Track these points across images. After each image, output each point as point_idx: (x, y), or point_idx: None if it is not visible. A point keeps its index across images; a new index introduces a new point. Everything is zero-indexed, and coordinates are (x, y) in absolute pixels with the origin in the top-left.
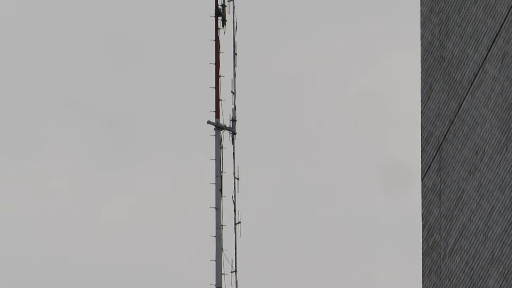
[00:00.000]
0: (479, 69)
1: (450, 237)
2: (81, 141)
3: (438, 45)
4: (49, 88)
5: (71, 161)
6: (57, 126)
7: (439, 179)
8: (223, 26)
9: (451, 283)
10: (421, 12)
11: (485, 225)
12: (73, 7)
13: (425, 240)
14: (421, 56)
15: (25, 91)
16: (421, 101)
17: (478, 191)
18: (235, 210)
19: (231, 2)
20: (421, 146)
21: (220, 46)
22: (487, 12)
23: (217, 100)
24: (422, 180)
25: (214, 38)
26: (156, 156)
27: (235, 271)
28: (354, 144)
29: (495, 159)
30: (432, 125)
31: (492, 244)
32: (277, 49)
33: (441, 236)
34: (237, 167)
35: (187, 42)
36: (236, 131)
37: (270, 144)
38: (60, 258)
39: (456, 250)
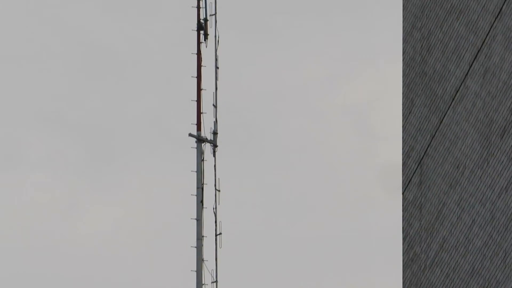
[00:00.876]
0: (461, 84)
1: (430, 249)
2: (60, 153)
3: (420, 60)
4: (27, 100)
5: (50, 173)
6: (36, 138)
7: (420, 193)
8: (205, 40)
9: None
10: (403, 27)
11: (466, 238)
12: (53, 17)
13: (405, 252)
14: (403, 71)
15: (2, 104)
16: (403, 115)
17: (458, 204)
18: (216, 222)
19: (213, 17)
20: (402, 159)
21: (202, 59)
22: (469, 28)
23: (199, 113)
24: (403, 193)
25: (196, 52)
26: (137, 168)
27: (216, 281)
28: (335, 158)
29: (476, 173)
30: (413, 139)
31: (473, 257)
32: (259, 63)
33: (421, 249)
34: (218, 179)
35: (169, 55)
36: (217, 144)
37: (251, 157)
38: (39, 269)
39: (436, 263)
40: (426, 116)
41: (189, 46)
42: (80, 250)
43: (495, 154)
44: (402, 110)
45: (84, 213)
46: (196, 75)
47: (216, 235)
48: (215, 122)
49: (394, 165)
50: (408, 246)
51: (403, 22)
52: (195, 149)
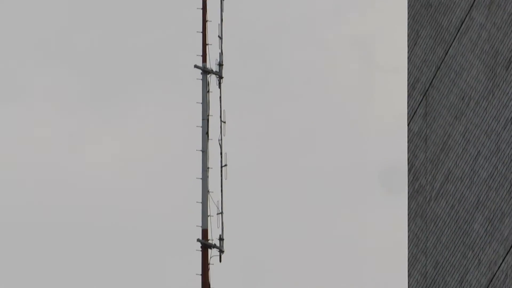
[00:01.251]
0: (466, 15)
1: (436, 181)
2: (64, 85)
3: None
4: (29, 31)
5: (55, 105)
6: (39, 70)
7: (425, 124)
8: None
9: (436, 227)
10: None
11: (471, 170)
12: None
13: (411, 184)
14: (408, 2)
15: (4, 35)
16: (408, 47)
17: (464, 136)
18: (221, 153)
19: None
20: (408, 91)
21: None
22: None
23: (204, 44)
24: (408, 125)
25: None
26: (143, 99)
27: (221, 213)
28: (340, 90)
29: (481, 104)
30: (419, 71)
31: (478, 188)
32: None
33: (427, 180)
34: (224, 110)
35: None
36: (223, 75)
37: (257, 88)
38: (44, 202)
39: (441, 194)
40: (431, 48)
41: None
42: (85, 182)
43: (500, 85)
44: (407, 41)
45: (89, 145)
46: (201, 7)
47: (221, 167)
48: (221, 54)
49: (400, 95)
50: (413, 177)
51: None
52: (201, 81)
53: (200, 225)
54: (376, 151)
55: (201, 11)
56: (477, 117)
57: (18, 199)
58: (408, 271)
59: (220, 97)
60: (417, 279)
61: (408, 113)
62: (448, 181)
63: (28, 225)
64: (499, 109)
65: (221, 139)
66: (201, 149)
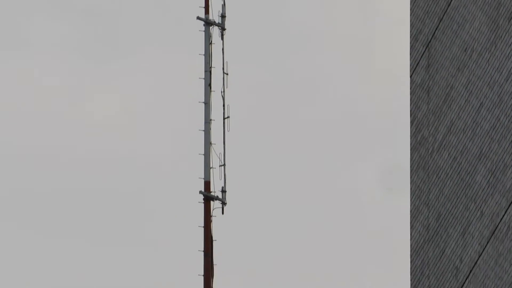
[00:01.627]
0: None
1: (438, 132)
2: (66, 36)
3: None
4: None
5: (55, 57)
6: (41, 21)
7: (427, 76)
8: None
9: (439, 178)
10: None
11: (473, 121)
12: None
13: (413, 135)
14: None
15: None
16: None
17: (466, 87)
18: (223, 105)
19: None
20: (410, 43)
21: None
22: None
23: None
24: (410, 77)
25: None
26: (145, 51)
27: (223, 165)
28: (342, 44)
29: (483, 56)
30: (421, 22)
31: (480, 140)
32: None
33: (429, 132)
34: (226, 62)
35: None
36: (225, 27)
37: (259, 40)
38: (46, 152)
39: (444, 146)
40: None
41: None
42: (86, 135)
43: (503, 37)
44: None
45: (90, 97)
46: None
47: (224, 119)
48: (223, 5)
49: (402, 48)
50: (416, 129)
51: None
52: (203, 32)
53: (203, 177)
54: (378, 100)
55: None
56: (480, 69)
57: (18, 150)
58: (410, 223)
59: (223, 48)
60: (419, 231)
61: (410, 65)
62: (451, 133)
63: (27, 175)
64: (501, 61)
65: (224, 91)
66: (203, 101)
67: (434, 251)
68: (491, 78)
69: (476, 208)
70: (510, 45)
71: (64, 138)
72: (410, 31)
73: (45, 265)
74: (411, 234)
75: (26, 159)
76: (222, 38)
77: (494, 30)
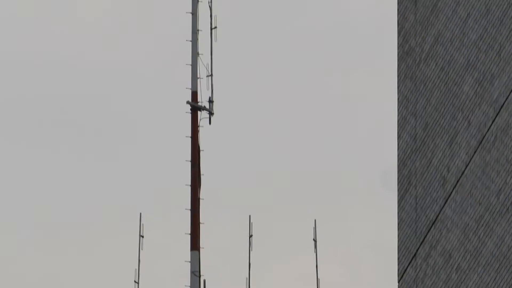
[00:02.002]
0: None
1: (425, 43)
2: None
3: None
4: None
5: None
6: None
7: None
8: None
9: (426, 88)
10: None
11: (461, 32)
12: None
13: (400, 45)
14: None
15: None
16: None
17: None
18: (211, 15)
19: None
20: None
21: None
22: None
23: None
24: None
25: None
26: None
27: (211, 75)
28: None
29: None
30: None
31: (468, 50)
32: None
33: (416, 42)
34: None
35: None
36: None
37: None
38: (39, 59)
39: (431, 56)
40: None
41: None
42: (73, 45)
43: None
44: None
45: (77, 5)
46: None
47: (211, 29)
48: None
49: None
50: (403, 39)
51: None
52: None
53: (190, 87)
54: (362, 11)
55: None
56: None
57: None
58: (397, 132)
59: None
60: (406, 140)
61: None
62: (438, 43)
63: (8, 81)
64: None
65: (211, 1)
66: (191, 11)
67: (421, 161)
68: None
69: (463, 118)
70: None
71: (49, 43)
72: None
73: (34, 177)
74: (398, 144)
75: (9, 65)
76: None
77: None
